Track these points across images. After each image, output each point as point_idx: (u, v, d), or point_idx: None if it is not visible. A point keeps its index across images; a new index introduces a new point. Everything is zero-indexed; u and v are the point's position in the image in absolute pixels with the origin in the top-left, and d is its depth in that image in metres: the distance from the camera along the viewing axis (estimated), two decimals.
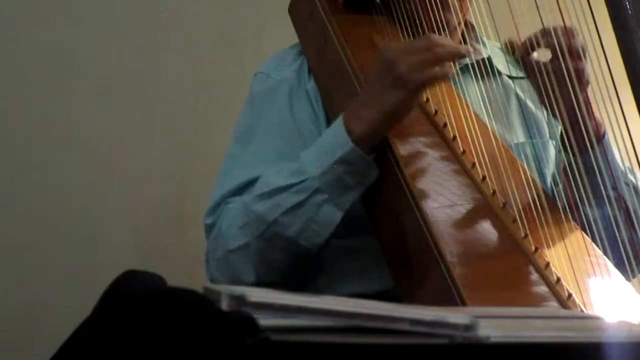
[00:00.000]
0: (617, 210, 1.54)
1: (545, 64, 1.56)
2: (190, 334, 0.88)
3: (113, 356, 0.96)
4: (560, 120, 1.59)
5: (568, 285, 1.42)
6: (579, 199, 1.51)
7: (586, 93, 1.56)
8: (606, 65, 1.42)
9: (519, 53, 1.59)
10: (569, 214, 1.54)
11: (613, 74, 1.38)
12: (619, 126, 1.41)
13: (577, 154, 1.57)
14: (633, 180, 1.68)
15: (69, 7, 2.40)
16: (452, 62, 1.65)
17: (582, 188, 1.52)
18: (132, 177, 2.43)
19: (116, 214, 2.41)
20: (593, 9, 1.37)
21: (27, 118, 2.36)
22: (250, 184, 1.67)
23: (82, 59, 2.40)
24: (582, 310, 1.38)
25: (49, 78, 2.38)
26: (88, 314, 1.04)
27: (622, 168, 1.65)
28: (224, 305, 0.84)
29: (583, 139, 1.55)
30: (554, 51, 1.55)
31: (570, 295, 1.40)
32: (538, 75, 1.56)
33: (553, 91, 1.55)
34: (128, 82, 2.43)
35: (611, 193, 1.54)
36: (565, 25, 1.53)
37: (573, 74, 1.53)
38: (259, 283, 1.63)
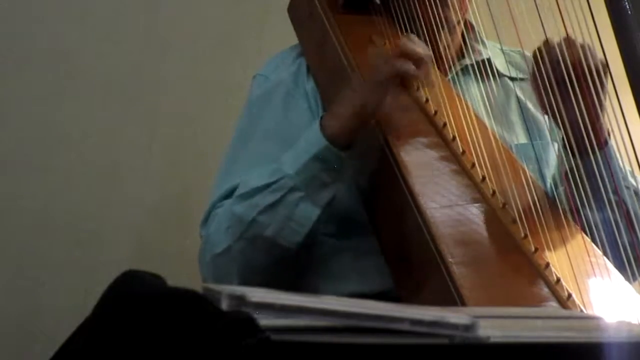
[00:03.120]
0: (619, 214, 1.53)
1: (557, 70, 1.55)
2: (190, 334, 0.88)
3: (113, 356, 0.96)
4: (561, 125, 1.58)
5: (568, 285, 1.42)
6: (580, 203, 1.51)
7: (592, 97, 1.55)
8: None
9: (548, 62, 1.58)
10: (570, 217, 1.54)
11: (613, 74, 1.38)
12: (618, 126, 1.41)
13: (579, 157, 1.57)
14: (634, 183, 1.68)
15: (69, 8, 2.40)
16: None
17: (584, 192, 1.51)
18: (133, 177, 2.43)
19: (116, 214, 2.41)
20: (593, 10, 1.37)
21: (28, 118, 2.36)
22: (237, 188, 1.67)
23: (83, 59, 2.40)
24: (582, 311, 1.38)
25: (49, 78, 2.38)
26: (88, 314, 1.04)
27: (623, 171, 1.64)
28: (224, 305, 0.84)
29: (584, 143, 1.55)
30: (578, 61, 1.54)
31: (570, 295, 1.41)
32: (546, 80, 1.55)
33: (555, 97, 1.54)
34: (128, 83, 2.43)
35: (612, 197, 1.54)
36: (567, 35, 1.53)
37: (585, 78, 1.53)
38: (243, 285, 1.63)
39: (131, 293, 1.01)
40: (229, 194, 1.68)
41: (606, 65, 1.53)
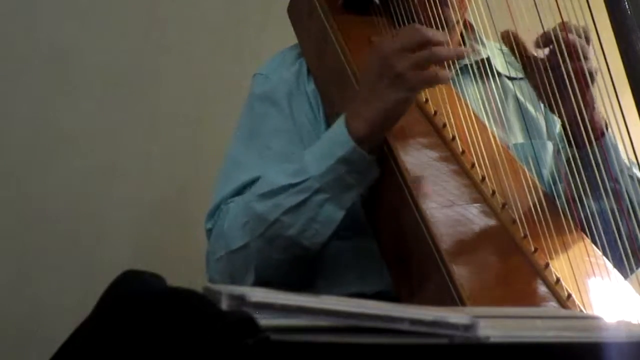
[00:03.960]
0: (615, 203, 1.53)
1: (547, 62, 1.56)
2: (190, 334, 0.88)
3: (113, 356, 0.96)
4: (559, 117, 1.60)
5: (567, 285, 1.42)
6: (581, 193, 1.51)
7: (589, 91, 1.56)
8: (605, 66, 1.42)
9: (522, 50, 1.59)
10: (570, 208, 1.53)
11: (613, 74, 1.38)
12: (618, 126, 1.41)
13: (576, 148, 1.57)
14: (638, 174, 1.67)
15: (70, 7, 2.40)
16: (451, 64, 1.66)
17: (583, 182, 1.51)
18: (132, 177, 2.43)
19: (116, 214, 2.41)
20: (592, 10, 1.38)
21: (27, 118, 2.36)
22: (249, 185, 1.67)
23: (82, 58, 2.40)
24: (581, 311, 1.38)
25: (49, 78, 2.38)
26: (88, 314, 1.04)
27: (627, 163, 1.64)
28: (224, 305, 0.84)
29: (582, 135, 1.55)
30: (558, 51, 1.55)
31: (569, 295, 1.41)
32: (542, 72, 1.56)
33: (553, 90, 1.55)
34: (128, 82, 2.43)
35: (613, 186, 1.53)
36: (563, 23, 1.53)
37: (577, 73, 1.53)
38: (258, 282, 1.63)
39: (131, 293, 1.01)
40: (240, 190, 1.67)
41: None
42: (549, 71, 1.55)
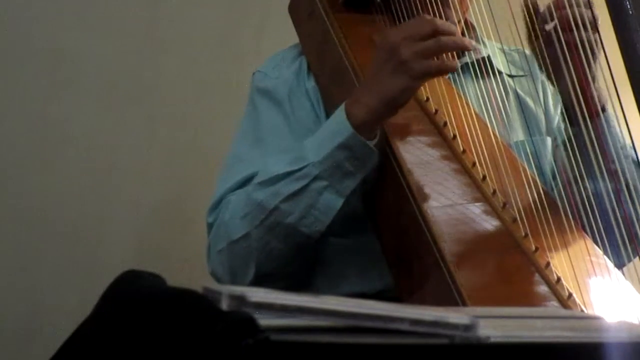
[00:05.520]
0: (612, 183, 1.52)
1: (558, 35, 1.52)
2: (190, 334, 0.87)
3: (113, 356, 0.96)
4: (563, 91, 1.56)
5: (568, 284, 1.42)
6: (578, 175, 1.50)
7: (591, 66, 1.53)
8: (606, 65, 1.42)
9: (537, 23, 1.56)
10: (568, 197, 1.52)
11: (613, 74, 1.38)
12: (618, 125, 1.41)
13: (571, 126, 1.55)
14: (633, 154, 1.66)
15: (69, 7, 2.40)
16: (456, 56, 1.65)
17: (580, 163, 1.50)
18: (132, 178, 2.43)
19: (116, 214, 2.41)
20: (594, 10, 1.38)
21: (27, 118, 2.37)
22: (250, 179, 1.67)
23: (82, 58, 2.40)
24: (582, 310, 1.38)
25: (49, 78, 2.38)
26: (88, 314, 1.04)
27: (622, 142, 1.63)
28: (224, 305, 0.84)
29: (588, 110, 1.53)
30: (567, 22, 1.51)
31: (570, 294, 1.41)
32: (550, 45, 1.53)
33: (563, 61, 1.51)
34: (128, 82, 2.43)
35: (611, 166, 1.52)
36: None
37: (585, 45, 1.50)
38: (259, 274, 1.63)
39: (131, 293, 1.01)
40: (242, 183, 1.67)
41: (596, 27, 1.50)
42: (562, 44, 1.52)
